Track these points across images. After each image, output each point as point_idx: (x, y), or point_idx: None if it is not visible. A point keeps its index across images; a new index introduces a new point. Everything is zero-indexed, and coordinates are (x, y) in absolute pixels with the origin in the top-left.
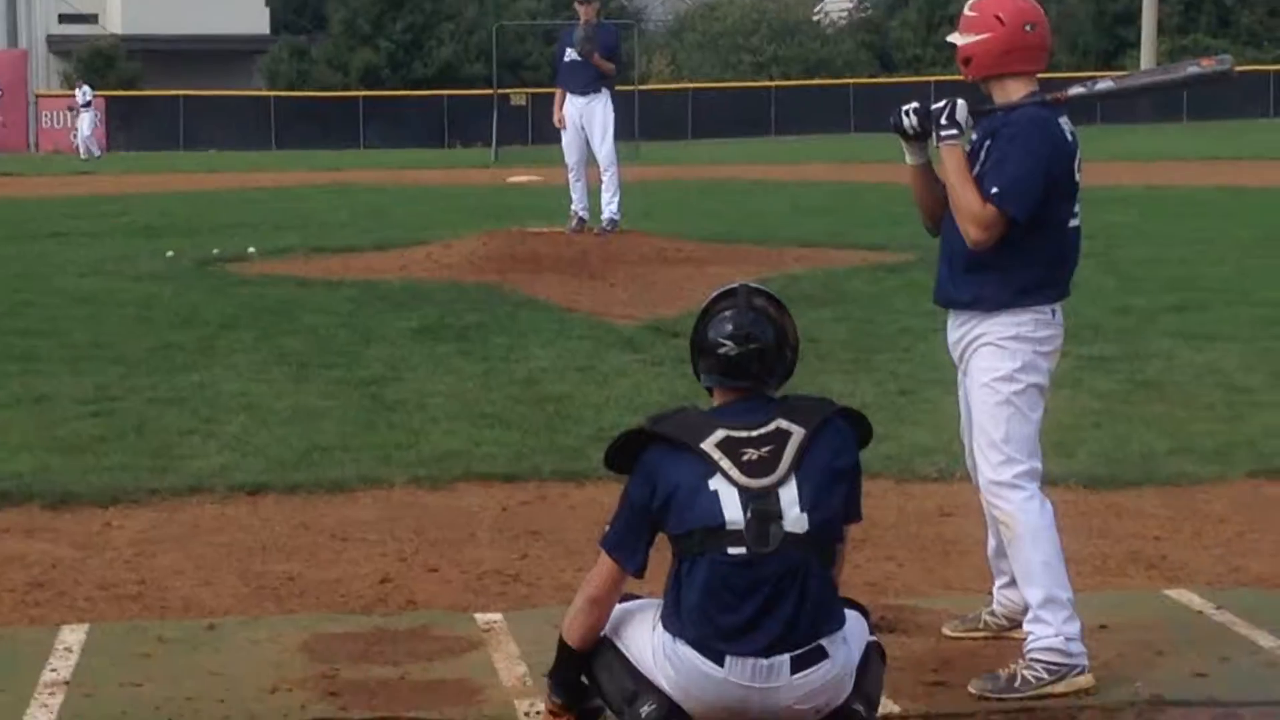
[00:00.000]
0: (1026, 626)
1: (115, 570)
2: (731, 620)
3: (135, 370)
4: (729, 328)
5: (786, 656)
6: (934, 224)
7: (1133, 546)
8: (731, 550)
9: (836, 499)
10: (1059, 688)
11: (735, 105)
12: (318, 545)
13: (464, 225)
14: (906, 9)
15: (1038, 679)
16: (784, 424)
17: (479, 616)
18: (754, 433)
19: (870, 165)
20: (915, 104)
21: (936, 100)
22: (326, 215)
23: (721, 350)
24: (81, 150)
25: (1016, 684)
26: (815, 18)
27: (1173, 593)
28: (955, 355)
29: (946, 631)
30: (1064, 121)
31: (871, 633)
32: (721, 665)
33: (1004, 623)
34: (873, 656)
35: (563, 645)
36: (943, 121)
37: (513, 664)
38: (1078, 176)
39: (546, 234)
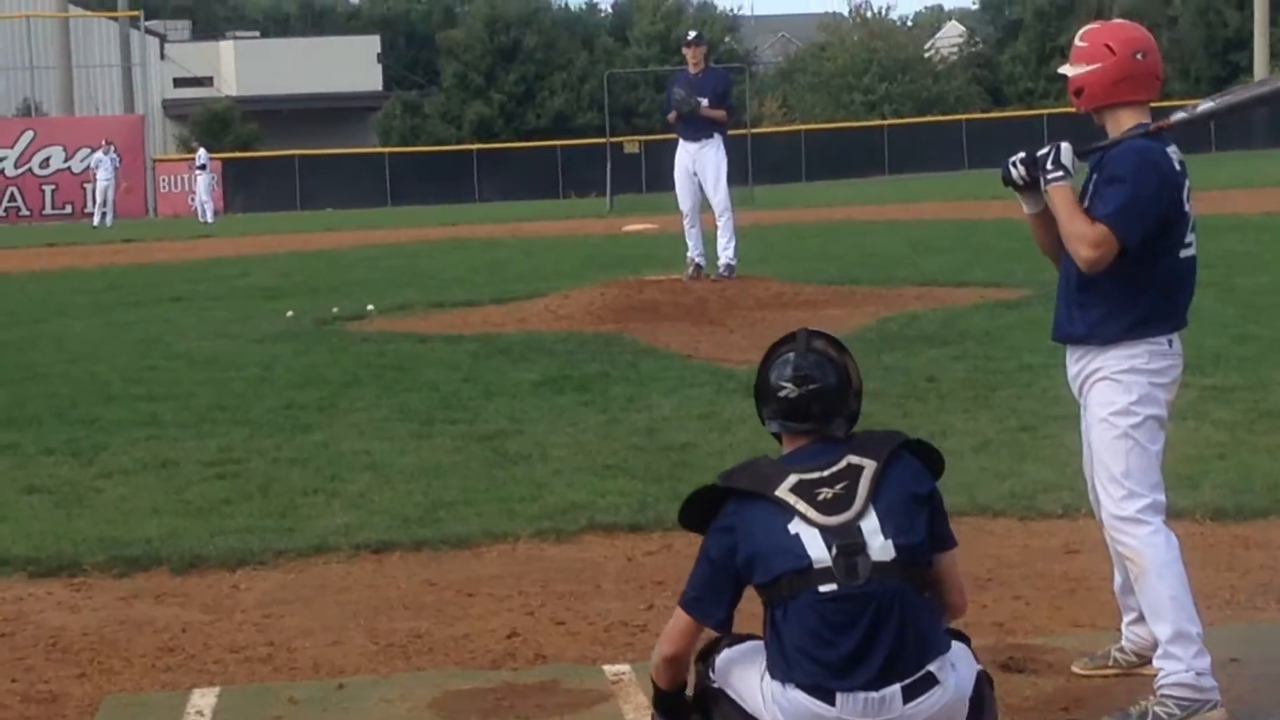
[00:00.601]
0: (1156, 662)
1: (244, 632)
2: (835, 656)
3: (258, 431)
4: (789, 370)
5: (897, 686)
6: (1058, 262)
7: (1262, 578)
8: (823, 588)
9: (919, 525)
10: None
11: (848, 145)
12: (444, 601)
13: (581, 276)
14: (1017, 43)
15: (1169, 715)
16: (854, 459)
17: (607, 668)
18: (825, 472)
19: (985, 202)
20: (1021, 154)
21: (1047, 140)
22: (443, 270)
23: (782, 393)
24: (199, 213)
25: None
26: (926, 54)
27: None
28: (1074, 390)
29: (1076, 669)
30: (1171, 151)
31: (977, 660)
32: (833, 704)
33: (1134, 659)
34: (984, 687)
35: (656, 687)
36: (1048, 166)
37: (641, 715)
38: (1187, 206)
39: (664, 282)
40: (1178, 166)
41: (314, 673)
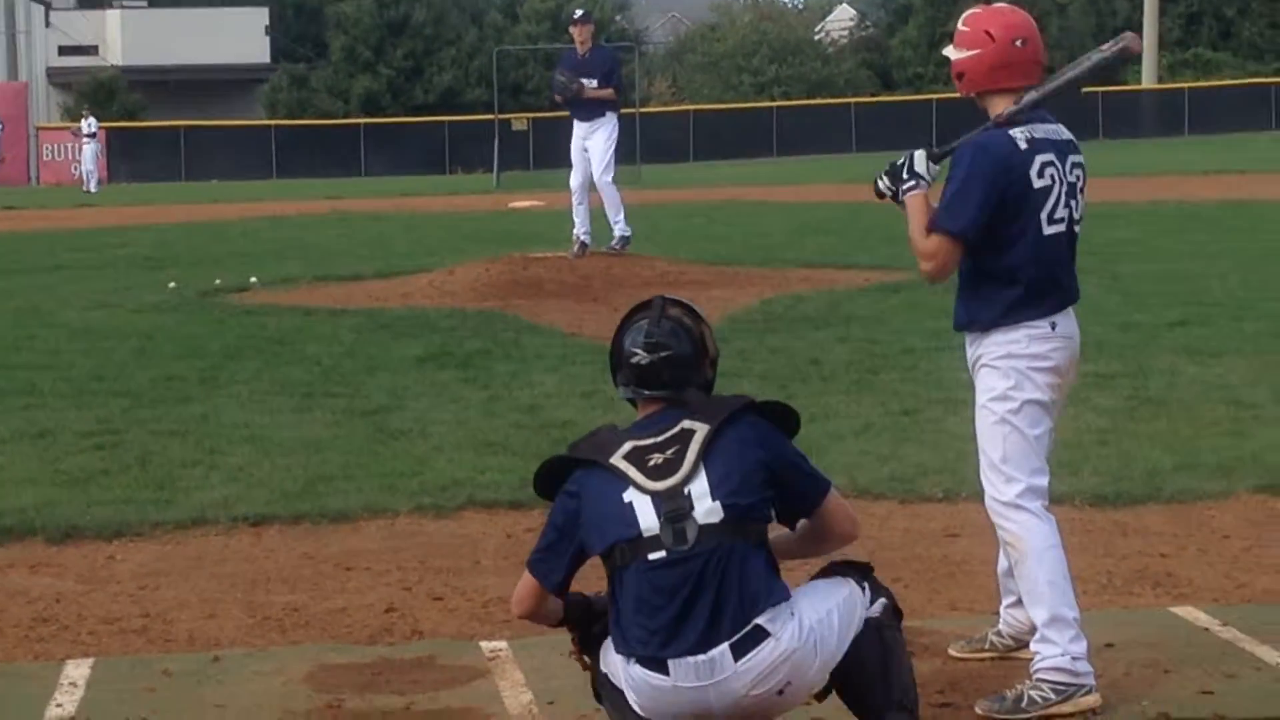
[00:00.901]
0: (1033, 646)
1: (119, 604)
2: (660, 622)
3: (138, 402)
4: (641, 337)
5: (725, 645)
6: None
7: (1138, 564)
8: (651, 556)
9: (755, 485)
10: (1066, 707)
11: (737, 126)
12: (322, 576)
13: (466, 252)
14: (907, 27)
15: (1044, 699)
16: (688, 424)
17: (485, 645)
18: (659, 438)
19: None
20: (886, 166)
21: (935, 125)
22: (328, 244)
23: (634, 359)
24: (84, 182)
25: (1023, 704)
26: (816, 37)
27: (1179, 610)
28: (971, 376)
29: (953, 652)
30: (1021, 131)
31: (879, 595)
32: (667, 673)
33: (1010, 643)
34: (880, 628)
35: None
36: (903, 176)
37: (519, 692)
38: (1040, 182)
39: (549, 259)
40: (1024, 145)
41: (189, 645)
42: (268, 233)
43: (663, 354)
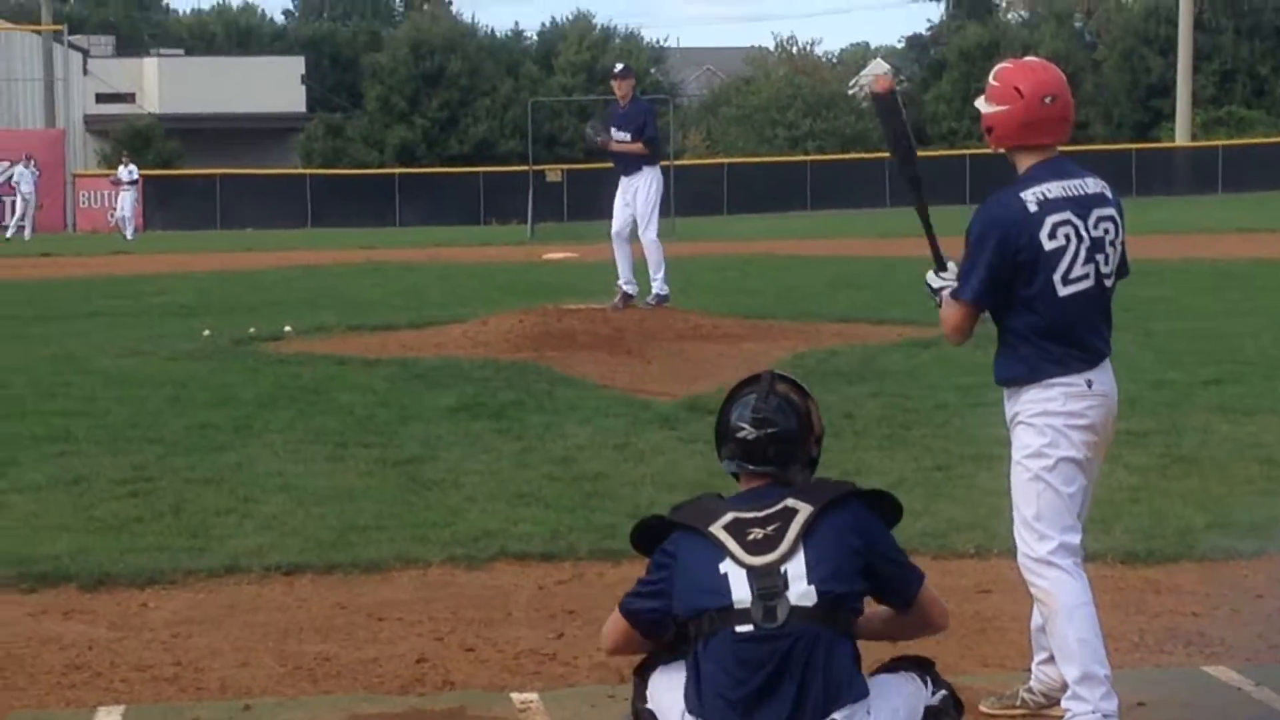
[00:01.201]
0: (1064, 704)
1: (152, 651)
2: (741, 695)
3: (172, 450)
4: (748, 412)
5: None
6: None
7: (1170, 622)
8: (739, 628)
9: (851, 573)
10: None
11: (771, 180)
12: (354, 625)
13: (500, 303)
14: (941, 82)
15: None
16: (792, 503)
17: (515, 696)
18: (761, 513)
19: (907, 239)
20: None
21: (969, 179)
22: (362, 293)
23: (740, 434)
24: (122, 228)
25: None
26: (850, 91)
27: (1211, 669)
28: (1008, 433)
29: (984, 709)
30: (1032, 192)
31: (940, 688)
32: None
33: (1041, 700)
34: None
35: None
36: (934, 288)
37: None
38: (1050, 244)
39: (582, 311)
40: (1034, 207)
41: (221, 693)
42: (302, 282)
43: (769, 430)
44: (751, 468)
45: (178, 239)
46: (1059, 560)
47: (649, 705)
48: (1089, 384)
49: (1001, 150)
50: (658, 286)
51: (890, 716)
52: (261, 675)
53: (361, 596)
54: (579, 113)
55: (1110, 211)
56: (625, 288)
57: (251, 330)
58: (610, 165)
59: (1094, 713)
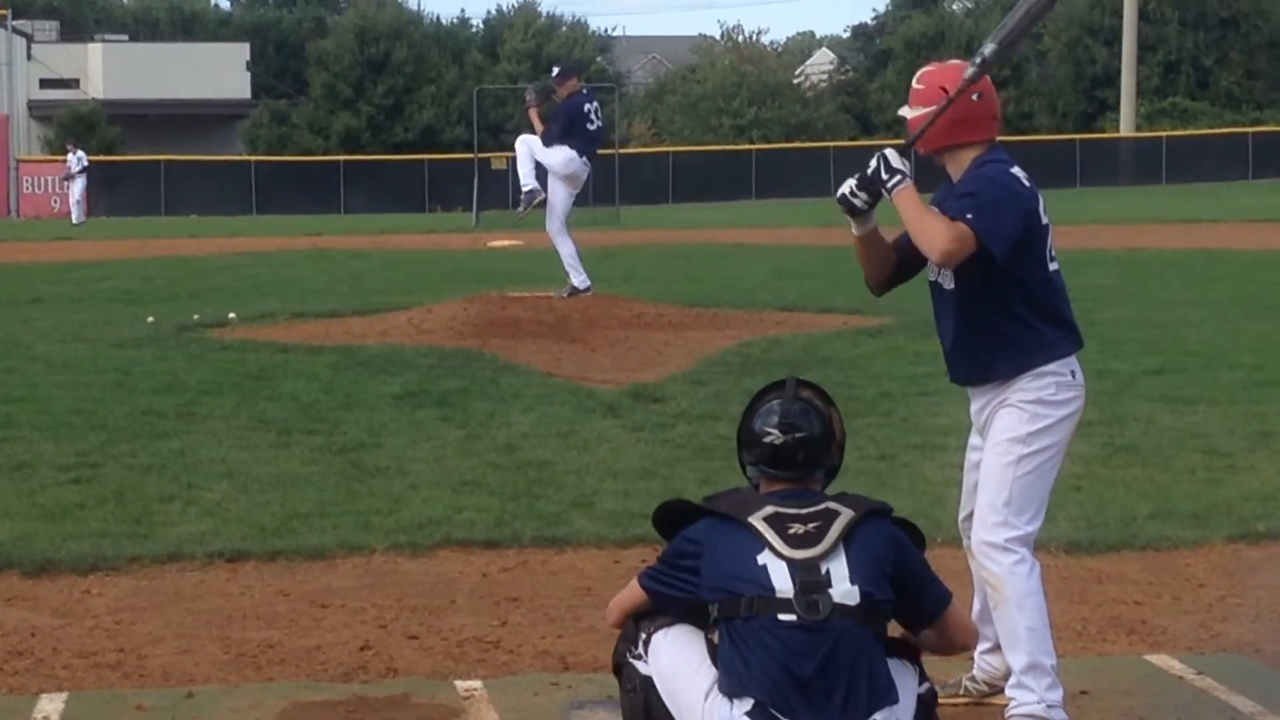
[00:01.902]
0: (1009, 692)
1: (94, 638)
2: (793, 682)
3: (115, 437)
4: (775, 418)
5: None
6: (879, 284)
7: (1113, 611)
8: (783, 616)
9: (887, 586)
10: None
11: (716, 168)
12: (297, 612)
13: (445, 290)
14: (886, 72)
15: None
16: (834, 505)
17: (459, 684)
18: (802, 510)
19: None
20: (852, 181)
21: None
22: (307, 280)
23: (767, 439)
24: (74, 214)
25: None
26: (796, 81)
27: (1153, 658)
28: (978, 427)
29: None
30: (1018, 169)
31: (924, 679)
32: None
33: (985, 688)
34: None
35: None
36: (884, 176)
37: None
38: (1045, 219)
39: (527, 299)
40: (1027, 184)
41: (164, 680)
42: (247, 268)
43: (797, 435)
44: (776, 473)
45: (122, 225)
46: (1016, 548)
47: (645, 663)
48: (1073, 375)
49: (929, 153)
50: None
51: (906, 714)
52: (205, 662)
53: (305, 584)
54: (524, 100)
55: None
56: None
57: (195, 317)
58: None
59: (1039, 703)
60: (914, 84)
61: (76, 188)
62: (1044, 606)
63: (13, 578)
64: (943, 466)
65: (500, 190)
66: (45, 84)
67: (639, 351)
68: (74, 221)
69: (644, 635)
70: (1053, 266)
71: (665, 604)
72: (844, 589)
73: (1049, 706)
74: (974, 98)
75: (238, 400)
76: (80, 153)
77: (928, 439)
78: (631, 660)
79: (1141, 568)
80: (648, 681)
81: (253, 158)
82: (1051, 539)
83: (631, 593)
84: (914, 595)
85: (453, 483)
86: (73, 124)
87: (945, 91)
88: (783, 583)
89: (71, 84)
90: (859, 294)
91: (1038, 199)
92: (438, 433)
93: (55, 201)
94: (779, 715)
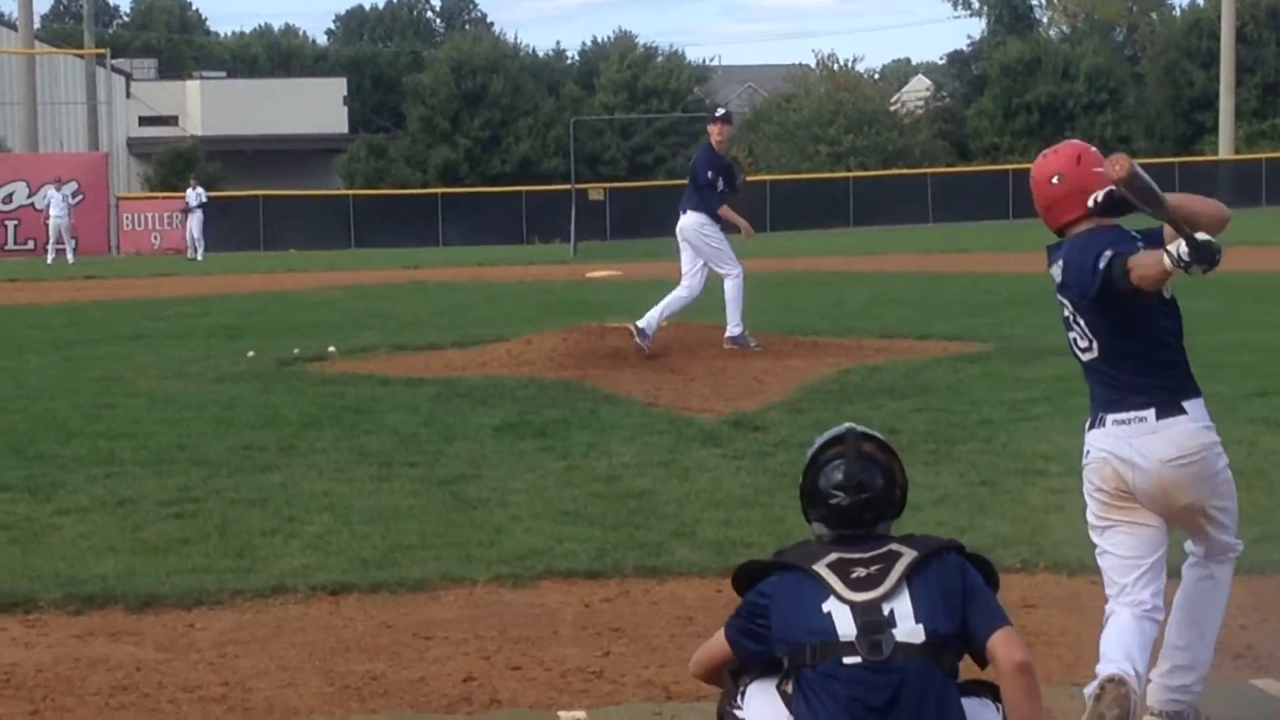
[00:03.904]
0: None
1: (199, 672)
2: None
3: (217, 471)
4: (839, 477)
5: None
6: None
7: (1219, 636)
8: (847, 660)
9: (955, 616)
10: None
11: (813, 196)
12: (400, 644)
13: (544, 321)
14: (983, 98)
15: None
16: (897, 547)
17: (563, 715)
18: (865, 554)
19: (949, 255)
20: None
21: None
22: (406, 313)
23: (834, 501)
24: (191, 250)
25: None
26: (892, 107)
27: (1259, 682)
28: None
29: None
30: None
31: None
32: None
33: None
34: None
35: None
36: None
37: None
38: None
39: (626, 329)
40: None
41: (268, 713)
42: (345, 302)
43: (863, 496)
44: (845, 532)
45: (221, 261)
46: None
47: (743, 714)
48: None
49: (1059, 230)
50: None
51: None
52: (308, 695)
53: (407, 616)
54: (621, 131)
55: None
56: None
57: (295, 351)
58: (642, 184)
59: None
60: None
61: (196, 224)
62: None
63: (117, 613)
64: (1044, 492)
65: (597, 221)
66: (144, 121)
67: (738, 380)
68: (198, 258)
69: (740, 688)
70: None
71: (745, 658)
72: (908, 628)
73: None
74: (1053, 181)
75: (338, 434)
76: (200, 189)
77: (1030, 465)
78: (732, 710)
79: (1247, 591)
80: None
81: (350, 192)
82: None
83: (716, 643)
84: (976, 611)
85: (554, 513)
86: (172, 161)
87: (1034, 184)
88: (846, 628)
89: (170, 121)
90: (958, 321)
91: None
92: (538, 463)
93: (156, 238)
94: None
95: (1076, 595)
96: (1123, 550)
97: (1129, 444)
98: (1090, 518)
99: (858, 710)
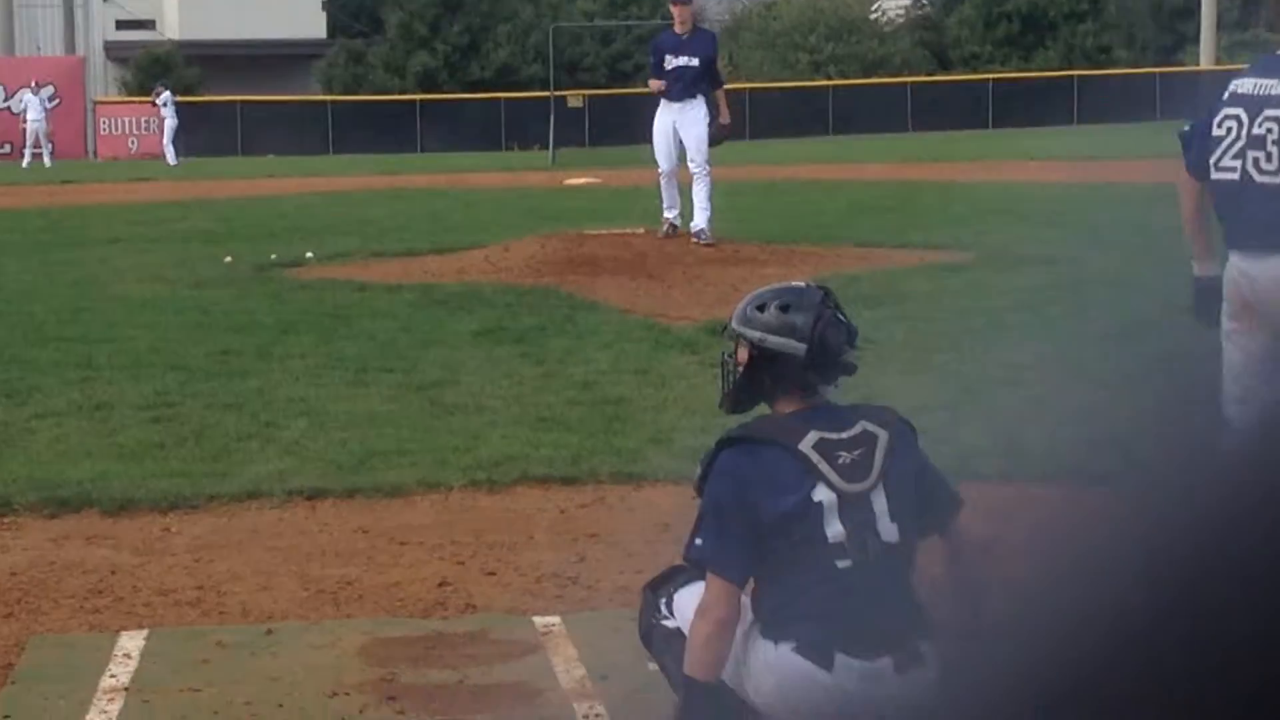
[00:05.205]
0: None
1: (174, 576)
2: (836, 621)
3: (194, 376)
4: (844, 332)
5: (889, 659)
6: None
7: None
8: (833, 562)
9: (915, 499)
10: None
11: (793, 105)
12: (376, 549)
13: (522, 228)
14: (964, 6)
15: None
16: (869, 426)
17: (537, 620)
18: (844, 435)
19: (928, 164)
20: None
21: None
22: (384, 219)
23: (845, 356)
24: (166, 155)
25: None
26: (872, 16)
27: None
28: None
29: None
30: (1239, 81)
31: None
32: (830, 669)
33: None
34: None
35: (694, 684)
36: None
37: (571, 667)
38: (1216, 132)
39: (604, 236)
40: (1225, 96)
41: (243, 617)
42: (324, 208)
43: (858, 345)
44: (818, 378)
45: (199, 166)
46: None
47: (675, 624)
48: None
49: None
50: (702, 222)
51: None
52: (284, 599)
53: (383, 521)
54: (600, 38)
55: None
56: (673, 219)
57: (273, 256)
58: (624, 91)
59: None
60: None
61: (168, 129)
62: None
63: (93, 516)
64: (1024, 402)
65: (576, 128)
66: (121, 25)
67: (716, 288)
68: (169, 163)
69: (663, 600)
70: (1217, 175)
71: (736, 570)
72: (885, 526)
73: None
74: None
75: (315, 339)
76: (165, 93)
77: (1007, 373)
78: (659, 623)
79: None
80: (678, 634)
81: (329, 98)
82: None
83: (713, 586)
84: (936, 495)
85: (530, 420)
86: (149, 65)
87: None
88: (834, 526)
89: (147, 25)
90: (937, 230)
91: (1217, 113)
92: (515, 370)
93: (133, 143)
94: (823, 652)
95: (1053, 505)
96: (1231, 359)
97: (1258, 261)
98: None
99: (836, 608)
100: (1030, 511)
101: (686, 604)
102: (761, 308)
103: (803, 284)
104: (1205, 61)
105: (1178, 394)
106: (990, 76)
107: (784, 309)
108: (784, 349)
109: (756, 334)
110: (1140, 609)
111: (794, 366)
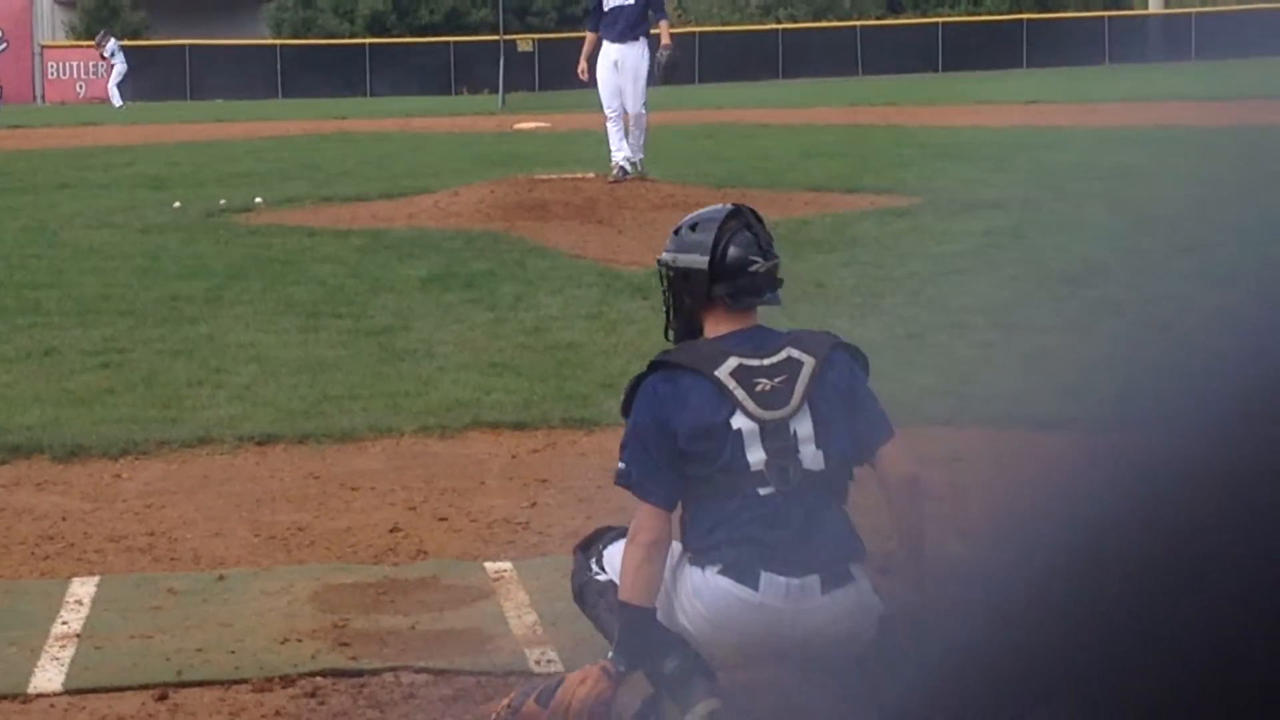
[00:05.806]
0: None
1: (125, 522)
2: (759, 542)
3: (143, 322)
4: (755, 246)
5: (816, 576)
6: None
7: None
8: (755, 489)
9: (848, 435)
10: None
11: (742, 49)
12: (327, 495)
13: (471, 173)
14: None
15: None
16: (794, 353)
17: (489, 565)
18: (765, 361)
19: (878, 108)
20: None
21: (941, 48)
22: (333, 164)
23: (753, 268)
24: (113, 99)
25: None
26: None
27: None
28: None
29: None
30: None
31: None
32: (756, 589)
33: None
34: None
35: (628, 609)
36: None
37: (523, 612)
38: None
39: (554, 181)
40: None
41: (194, 564)
42: (272, 153)
43: (774, 260)
44: (756, 301)
45: (146, 110)
46: None
47: (605, 577)
48: None
49: None
50: (636, 153)
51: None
52: (235, 545)
53: (334, 466)
54: None
55: None
56: (624, 163)
57: (222, 202)
58: (574, 35)
59: None
60: None
61: (115, 73)
62: None
63: (43, 462)
64: (971, 345)
65: (526, 72)
66: None
67: (666, 232)
68: (115, 105)
69: (593, 558)
70: None
71: (659, 495)
72: (810, 452)
73: None
74: None
75: (265, 284)
76: (112, 42)
77: (957, 318)
78: (591, 579)
79: None
80: (611, 585)
81: (278, 41)
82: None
83: (643, 510)
84: (866, 416)
85: (481, 365)
86: (97, 9)
87: None
88: (755, 454)
89: None
90: (887, 174)
91: None
92: (465, 315)
93: (81, 87)
94: (750, 573)
95: (1002, 450)
96: None
97: None
98: None
99: (761, 534)
100: (980, 454)
101: (616, 557)
102: (678, 231)
103: (721, 206)
104: (1154, 5)
105: (1128, 337)
106: (940, 20)
107: (693, 228)
108: (691, 265)
109: (670, 255)
110: (1095, 549)
111: (703, 281)
